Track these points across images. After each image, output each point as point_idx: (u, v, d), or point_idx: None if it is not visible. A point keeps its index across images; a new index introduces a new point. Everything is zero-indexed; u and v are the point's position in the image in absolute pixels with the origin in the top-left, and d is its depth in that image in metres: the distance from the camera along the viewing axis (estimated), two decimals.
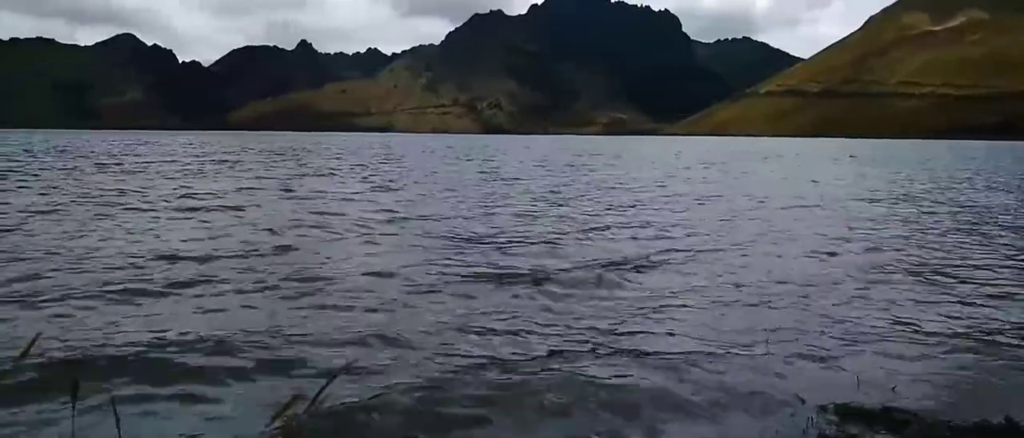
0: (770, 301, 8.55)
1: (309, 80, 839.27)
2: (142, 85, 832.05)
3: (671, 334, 7.17)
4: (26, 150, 54.07)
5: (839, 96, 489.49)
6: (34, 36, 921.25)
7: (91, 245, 11.22)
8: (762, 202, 21.74)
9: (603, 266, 10.31)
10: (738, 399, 5.50)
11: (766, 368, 6.17)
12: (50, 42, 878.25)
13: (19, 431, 4.57)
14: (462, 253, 11.41)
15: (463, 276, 9.57)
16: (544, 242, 12.71)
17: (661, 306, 8.19)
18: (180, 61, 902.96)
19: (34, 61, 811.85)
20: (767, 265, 10.92)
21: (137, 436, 4.48)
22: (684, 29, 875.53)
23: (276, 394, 5.13)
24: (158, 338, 6.46)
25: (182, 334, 6.58)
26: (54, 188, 21.68)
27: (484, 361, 6.14)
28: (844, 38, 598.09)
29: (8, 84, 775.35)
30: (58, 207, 16.42)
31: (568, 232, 14.11)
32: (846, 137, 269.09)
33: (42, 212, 15.53)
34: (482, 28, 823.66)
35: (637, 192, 24.73)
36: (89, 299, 7.84)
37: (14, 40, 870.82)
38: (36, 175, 27.44)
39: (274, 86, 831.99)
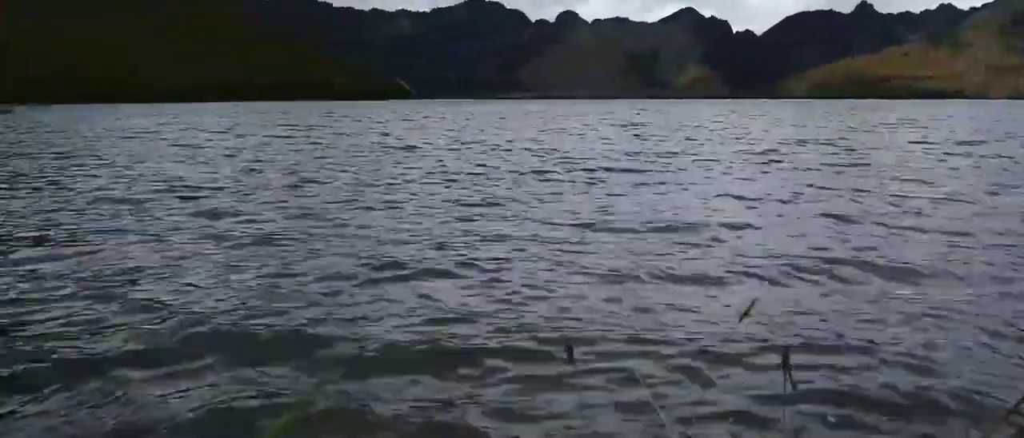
0: None
1: (868, 44, 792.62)
2: (700, 56, 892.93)
3: None
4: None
5: None
6: (612, 16, 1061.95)
7: None
8: None
9: None
10: None
11: None
12: (625, 21, 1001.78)
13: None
14: None
15: None
16: None
17: None
18: (734, 31, 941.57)
19: (612, 39, 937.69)
20: None
21: None
22: None
23: None
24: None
25: None
26: None
27: None
28: None
29: (590, 60, 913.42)
30: None
31: None
32: None
33: None
34: None
35: None
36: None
37: (596, 21, 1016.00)
38: None
39: (829, 52, 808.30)
